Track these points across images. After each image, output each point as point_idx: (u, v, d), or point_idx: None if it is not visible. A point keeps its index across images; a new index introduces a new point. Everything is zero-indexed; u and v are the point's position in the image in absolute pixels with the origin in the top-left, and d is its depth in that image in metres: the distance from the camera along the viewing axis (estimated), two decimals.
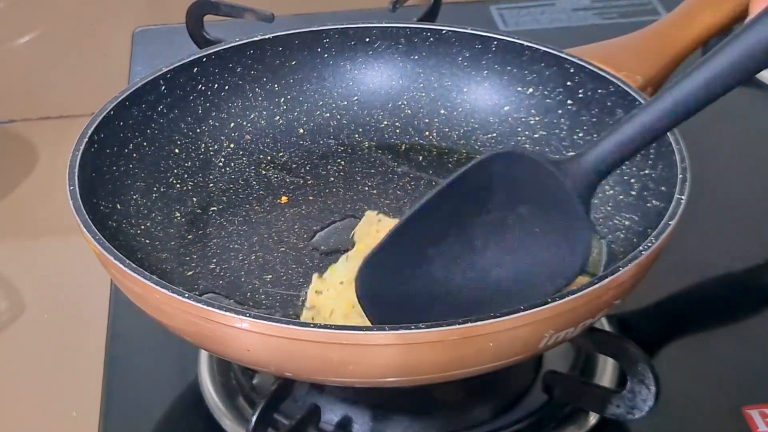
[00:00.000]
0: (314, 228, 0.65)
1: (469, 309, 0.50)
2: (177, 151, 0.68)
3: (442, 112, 0.73)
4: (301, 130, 0.73)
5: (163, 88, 0.68)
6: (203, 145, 0.70)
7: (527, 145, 0.70)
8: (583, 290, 0.50)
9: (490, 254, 0.53)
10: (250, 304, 0.59)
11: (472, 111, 0.72)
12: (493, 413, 0.60)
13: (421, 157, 0.71)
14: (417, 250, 0.53)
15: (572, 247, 0.52)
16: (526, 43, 0.70)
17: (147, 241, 0.62)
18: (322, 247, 0.63)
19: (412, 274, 0.53)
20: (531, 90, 0.71)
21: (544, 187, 0.52)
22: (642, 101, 0.64)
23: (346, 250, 0.63)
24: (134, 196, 0.64)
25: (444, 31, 0.73)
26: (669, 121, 0.50)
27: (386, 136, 0.73)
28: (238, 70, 0.71)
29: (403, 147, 0.72)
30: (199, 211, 0.66)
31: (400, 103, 0.74)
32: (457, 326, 0.48)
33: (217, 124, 0.71)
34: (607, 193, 0.65)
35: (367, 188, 0.68)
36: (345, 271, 0.60)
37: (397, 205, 0.67)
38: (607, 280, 0.50)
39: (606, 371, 0.62)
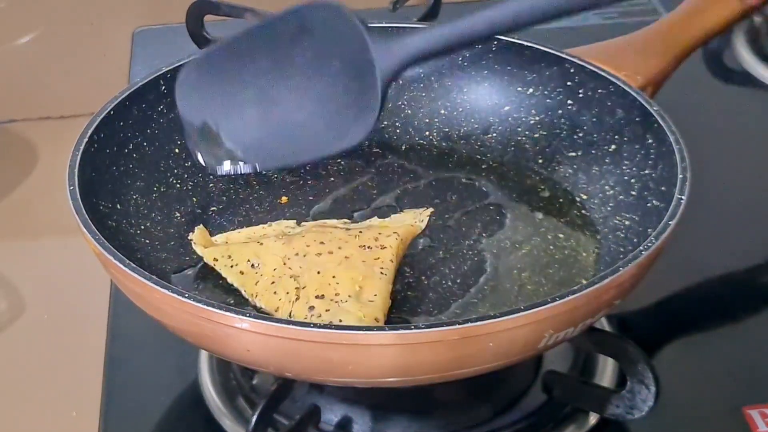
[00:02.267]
0: None
1: (271, 140, 0.57)
2: (177, 151, 0.68)
3: (442, 112, 0.73)
4: None
5: (163, 88, 0.68)
6: None
7: (527, 145, 0.70)
8: (583, 290, 0.50)
9: (294, 95, 0.57)
10: (250, 304, 0.59)
11: (472, 111, 0.72)
12: (493, 413, 0.60)
13: (421, 157, 0.71)
14: (232, 69, 0.58)
15: (362, 116, 0.55)
16: (526, 43, 0.70)
17: (147, 241, 0.62)
18: None
19: (225, 90, 0.58)
20: (531, 90, 0.71)
21: (353, 49, 0.54)
22: (642, 101, 0.64)
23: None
24: (134, 196, 0.64)
25: None
26: (489, 29, 0.53)
27: (386, 136, 0.73)
28: None
29: (403, 147, 0.72)
30: (199, 211, 0.66)
31: (400, 103, 0.74)
32: (457, 326, 0.48)
33: None
34: (607, 193, 0.65)
35: (367, 188, 0.68)
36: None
37: (397, 205, 0.67)
38: (607, 280, 0.50)
39: (606, 371, 0.62)
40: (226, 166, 0.58)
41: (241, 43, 0.57)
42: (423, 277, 0.60)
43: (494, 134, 0.71)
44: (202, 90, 0.59)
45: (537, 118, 0.70)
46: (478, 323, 0.48)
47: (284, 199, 0.67)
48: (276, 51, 0.57)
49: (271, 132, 0.58)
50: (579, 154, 0.68)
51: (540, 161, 0.69)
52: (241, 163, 0.57)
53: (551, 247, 0.62)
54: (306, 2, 0.56)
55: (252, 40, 0.57)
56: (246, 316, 0.49)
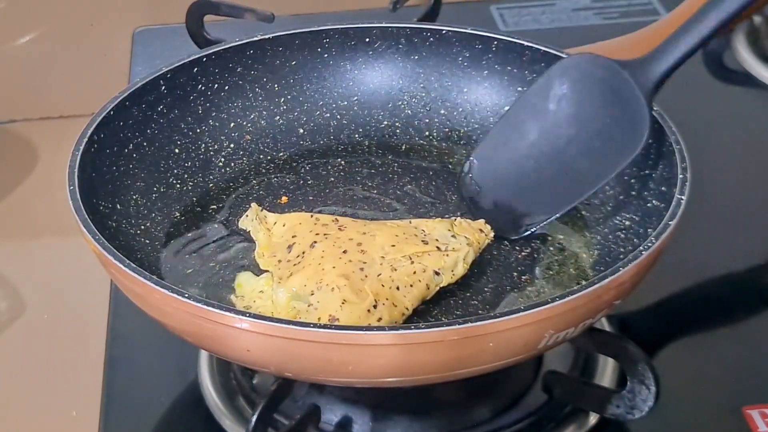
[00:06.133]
0: None
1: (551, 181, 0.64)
2: (177, 151, 0.68)
3: (442, 112, 0.73)
4: (301, 130, 0.73)
5: (163, 88, 0.68)
6: (203, 145, 0.70)
7: None
8: (583, 290, 0.50)
9: (568, 139, 0.64)
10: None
11: (472, 111, 0.72)
12: (493, 413, 0.60)
13: (421, 157, 0.71)
14: (510, 140, 0.66)
15: (633, 133, 0.60)
16: (526, 43, 0.70)
17: (147, 241, 0.62)
18: None
19: (509, 159, 0.66)
20: None
21: (615, 84, 0.62)
22: None
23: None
24: (134, 196, 0.64)
25: (444, 31, 0.73)
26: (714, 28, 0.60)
27: (386, 136, 0.73)
28: (238, 70, 0.72)
29: (403, 147, 0.72)
30: (198, 210, 0.66)
31: (400, 103, 0.74)
32: (457, 326, 0.48)
33: (217, 124, 0.71)
34: (607, 193, 0.65)
35: (367, 188, 0.68)
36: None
37: (397, 205, 0.67)
38: (607, 280, 0.50)
39: (606, 371, 0.62)
40: (528, 230, 0.63)
41: (514, 115, 0.66)
42: None
43: None
44: (494, 164, 0.66)
45: None
46: (478, 323, 0.48)
47: (284, 199, 0.67)
48: (540, 114, 0.65)
49: (549, 183, 0.64)
50: None
51: None
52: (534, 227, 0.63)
53: (551, 248, 0.62)
54: (560, 63, 0.65)
55: (520, 109, 0.66)
56: (246, 316, 0.49)
